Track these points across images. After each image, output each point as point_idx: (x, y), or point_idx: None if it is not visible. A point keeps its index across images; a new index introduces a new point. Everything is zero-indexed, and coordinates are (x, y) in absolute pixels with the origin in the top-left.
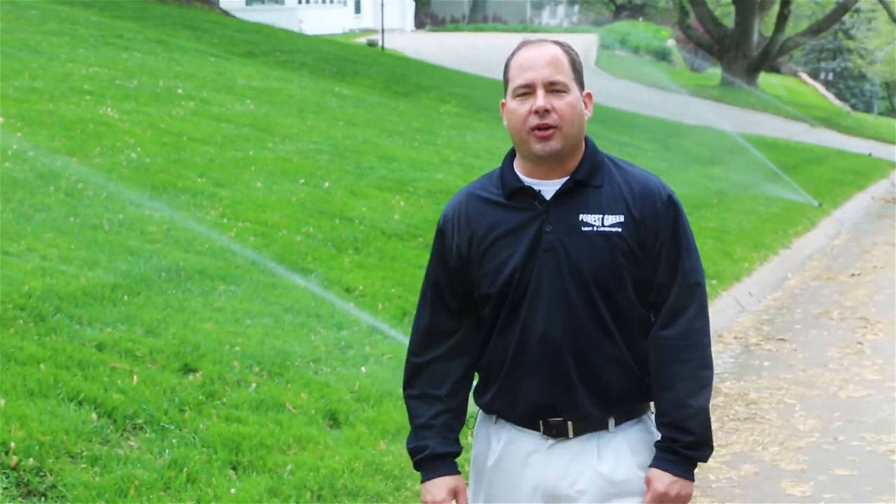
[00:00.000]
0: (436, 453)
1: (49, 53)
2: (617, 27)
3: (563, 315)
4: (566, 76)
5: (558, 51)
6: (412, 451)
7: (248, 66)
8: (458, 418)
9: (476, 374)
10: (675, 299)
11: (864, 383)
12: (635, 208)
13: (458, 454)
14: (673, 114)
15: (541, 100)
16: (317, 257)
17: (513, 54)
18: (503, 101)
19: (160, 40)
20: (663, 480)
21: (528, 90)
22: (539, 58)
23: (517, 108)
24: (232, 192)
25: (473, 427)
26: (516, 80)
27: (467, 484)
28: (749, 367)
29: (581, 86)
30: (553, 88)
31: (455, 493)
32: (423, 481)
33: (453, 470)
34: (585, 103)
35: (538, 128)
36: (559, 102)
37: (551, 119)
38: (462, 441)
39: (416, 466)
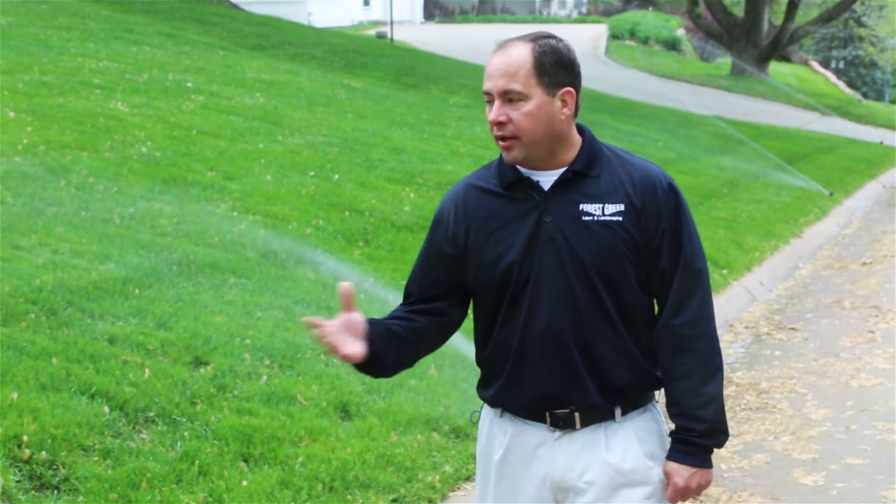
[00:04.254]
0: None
1: (59, 48)
2: (627, 17)
3: (566, 306)
4: (522, 84)
5: (522, 54)
6: None
7: (257, 59)
8: (399, 331)
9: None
10: (679, 287)
11: (876, 372)
12: (636, 197)
13: (375, 331)
14: (683, 104)
15: (493, 113)
16: (327, 250)
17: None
18: None
19: (170, 34)
20: (682, 474)
21: (489, 98)
22: (498, 66)
23: (488, 114)
24: (242, 185)
25: (478, 422)
26: (483, 87)
27: (474, 479)
28: (760, 357)
29: (554, 86)
30: (509, 97)
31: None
32: None
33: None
34: (565, 101)
35: (500, 138)
36: (515, 113)
37: (507, 130)
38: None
39: None
